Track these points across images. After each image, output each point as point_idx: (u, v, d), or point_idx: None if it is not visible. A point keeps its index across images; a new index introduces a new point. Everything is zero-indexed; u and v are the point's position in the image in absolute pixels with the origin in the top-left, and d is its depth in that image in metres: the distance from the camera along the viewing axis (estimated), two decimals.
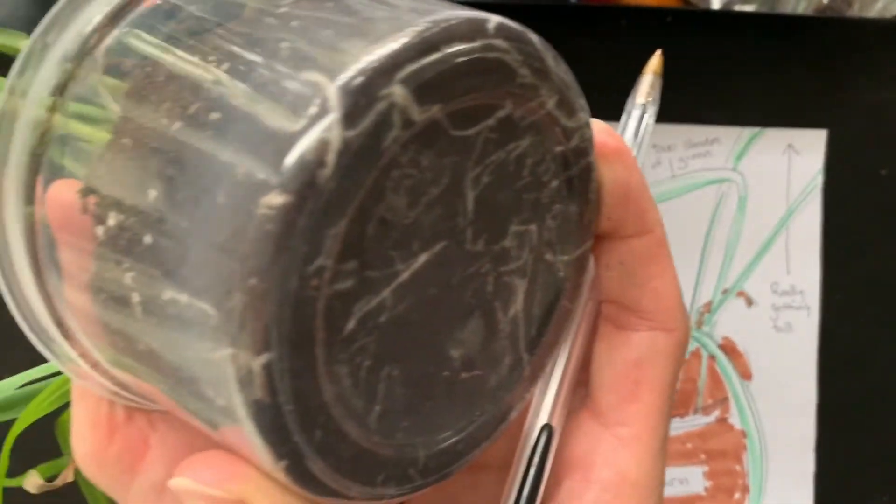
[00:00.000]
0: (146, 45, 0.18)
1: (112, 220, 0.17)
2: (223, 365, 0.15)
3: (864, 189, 0.48)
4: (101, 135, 0.18)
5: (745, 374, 0.48)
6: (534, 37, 0.18)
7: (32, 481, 0.27)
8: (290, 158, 0.15)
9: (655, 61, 0.24)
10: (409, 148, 0.16)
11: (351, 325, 0.16)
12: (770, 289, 0.48)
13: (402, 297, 0.17)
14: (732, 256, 0.47)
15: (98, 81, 0.19)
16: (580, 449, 0.22)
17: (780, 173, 0.48)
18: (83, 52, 0.19)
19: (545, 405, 0.22)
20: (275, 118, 0.15)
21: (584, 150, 0.20)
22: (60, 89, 0.19)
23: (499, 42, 0.17)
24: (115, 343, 0.18)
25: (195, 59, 0.17)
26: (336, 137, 0.15)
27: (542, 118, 0.19)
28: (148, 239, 0.16)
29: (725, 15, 0.47)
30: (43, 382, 0.29)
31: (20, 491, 0.28)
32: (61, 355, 0.21)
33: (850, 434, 0.48)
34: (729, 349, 0.48)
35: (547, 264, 0.20)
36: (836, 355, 0.48)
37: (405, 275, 0.17)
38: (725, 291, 0.48)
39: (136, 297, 0.17)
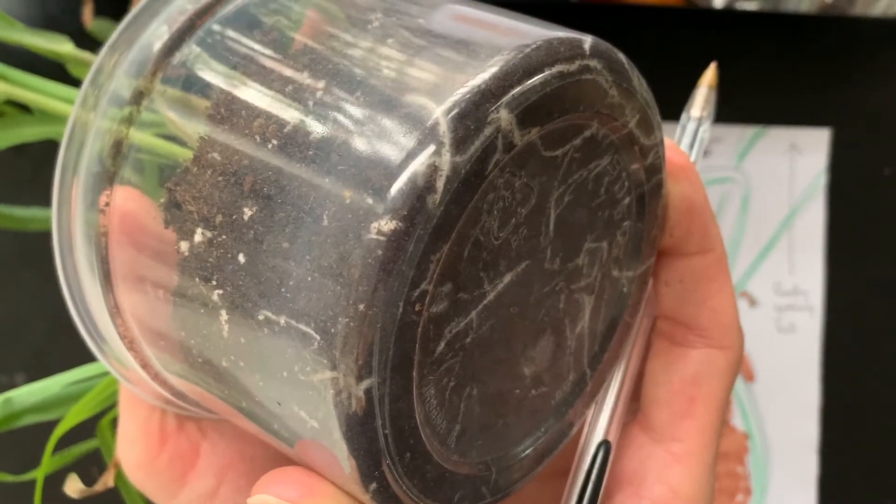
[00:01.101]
0: (229, 57, 0.18)
1: (199, 236, 0.17)
2: (321, 388, 0.15)
3: (868, 188, 0.48)
4: (181, 149, 0.17)
5: (748, 376, 0.48)
6: (621, 56, 0.18)
7: (73, 486, 0.27)
8: (401, 184, 0.14)
9: (710, 74, 0.24)
10: (506, 171, 0.16)
11: (441, 346, 0.16)
12: (773, 289, 0.48)
13: (487, 318, 0.17)
14: (735, 256, 0.47)
15: (176, 95, 0.18)
16: (631, 464, 0.22)
17: (783, 173, 0.47)
18: (157, 64, 0.18)
19: (602, 420, 0.22)
20: (381, 142, 0.15)
21: (657, 167, 0.20)
22: (134, 101, 0.18)
23: (594, 63, 0.17)
24: (188, 357, 0.18)
25: (288, 75, 0.17)
26: (445, 163, 0.15)
27: (622, 137, 0.19)
28: (242, 258, 0.16)
29: (727, 14, 0.47)
30: (90, 382, 0.29)
31: (55, 492, 0.28)
32: (118, 362, 0.21)
33: (853, 436, 0.48)
34: None
35: (613, 280, 0.20)
36: (839, 356, 0.48)
37: (491, 295, 0.17)
38: None
39: (223, 316, 0.16)
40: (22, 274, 0.41)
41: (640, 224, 0.20)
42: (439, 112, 0.15)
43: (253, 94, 0.17)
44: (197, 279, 0.17)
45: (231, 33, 0.18)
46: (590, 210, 0.19)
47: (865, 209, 0.48)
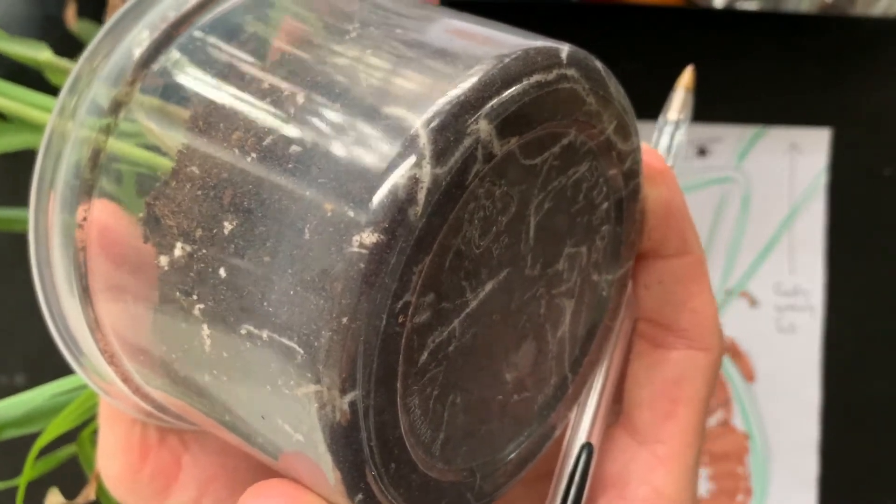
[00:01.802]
0: (208, 67, 0.18)
1: (179, 251, 0.17)
2: (306, 401, 0.15)
3: (868, 188, 0.48)
4: (160, 160, 0.17)
5: (749, 376, 0.48)
6: (598, 64, 0.18)
7: (54, 499, 0.27)
8: (382, 196, 0.14)
9: (687, 77, 0.24)
10: (486, 180, 0.16)
11: (424, 356, 0.16)
12: (773, 289, 0.48)
13: (469, 326, 0.17)
14: (735, 256, 0.47)
15: (154, 104, 0.18)
16: (615, 466, 0.22)
17: (784, 172, 0.47)
18: (136, 72, 0.18)
19: (584, 423, 0.22)
20: (362, 154, 0.15)
21: (635, 171, 0.20)
22: (113, 111, 0.18)
23: (571, 72, 0.17)
24: (170, 372, 0.18)
25: (267, 87, 0.17)
26: (426, 175, 0.15)
27: (600, 143, 0.19)
28: (223, 272, 0.16)
29: (728, 13, 0.47)
30: (74, 394, 0.29)
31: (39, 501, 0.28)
32: (98, 376, 0.21)
33: (854, 436, 0.48)
34: (732, 350, 0.47)
35: (592, 284, 0.21)
36: (839, 356, 0.48)
37: (473, 304, 0.17)
38: (728, 292, 0.47)
39: (205, 330, 0.16)
40: (22, 275, 0.41)
41: (618, 228, 0.20)
42: (419, 124, 0.15)
43: (232, 106, 0.17)
44: (178, 294, 0.17)
45: (212, 42, 0.18)
46: (569, 216, 0.19)
47: (865, 209, 0.48)
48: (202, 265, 0.16)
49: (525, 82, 0.16)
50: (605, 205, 0.20)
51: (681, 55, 0.46)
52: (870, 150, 0.48)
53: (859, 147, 0.48)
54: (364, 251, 0.14)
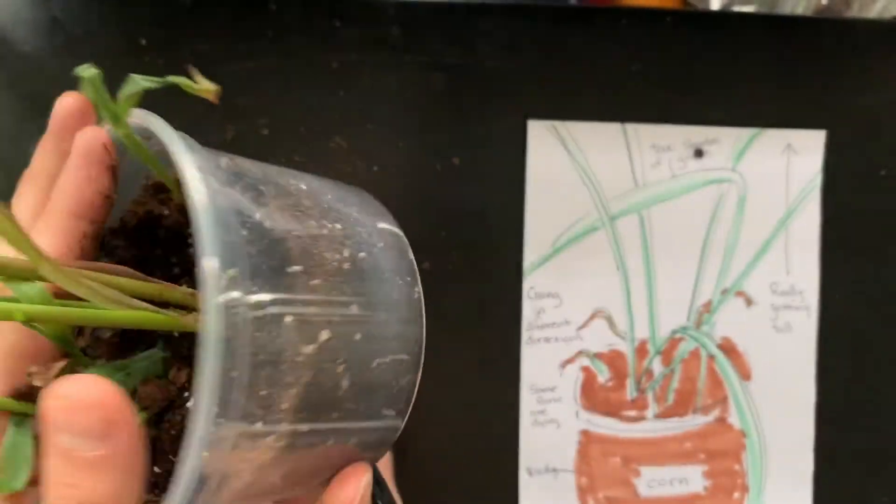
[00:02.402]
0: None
1: (325, 335, 0.24)
2: (411, 384, 0.27)
3: (863, 189, 0.48)
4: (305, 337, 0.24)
5: (745, 374, 0.48)
6: None
7: None
8: (416, 275, 0.28)
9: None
10: None
11: None
12: (769, 289, 0.48)
13: None
14: (732, 256, 0.48)
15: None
16: None
17: (780, 174, 0.48)
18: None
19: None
20: (390, 265, 0.27)
21: None
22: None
23: None
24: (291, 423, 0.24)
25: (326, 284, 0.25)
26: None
27: None
28: (358, 336, 0.25)
29: (725, 16, 0.47)
30: None
31: None
32: None
33: (849, 434, 0.48)
34: (728, 349, 0.48)
35: None
36: (835, 355, 0.48)
37: None
38: (725, 291, 0.48)
39: (345, 380, 0.24)
40: None
41: None
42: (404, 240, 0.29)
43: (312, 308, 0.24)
44: (324, 364, 0.24)
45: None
46: None
47: (861, 210, 0.48)
48: (344, 338, 0.24)
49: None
50: None
51: (678, 57, 0.46)
52: (865, 152, 0.48)
53: (855, 148, 0.48)
54: (419, 294, 0.27)
